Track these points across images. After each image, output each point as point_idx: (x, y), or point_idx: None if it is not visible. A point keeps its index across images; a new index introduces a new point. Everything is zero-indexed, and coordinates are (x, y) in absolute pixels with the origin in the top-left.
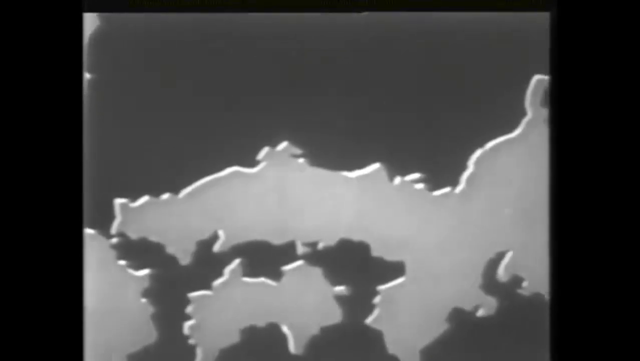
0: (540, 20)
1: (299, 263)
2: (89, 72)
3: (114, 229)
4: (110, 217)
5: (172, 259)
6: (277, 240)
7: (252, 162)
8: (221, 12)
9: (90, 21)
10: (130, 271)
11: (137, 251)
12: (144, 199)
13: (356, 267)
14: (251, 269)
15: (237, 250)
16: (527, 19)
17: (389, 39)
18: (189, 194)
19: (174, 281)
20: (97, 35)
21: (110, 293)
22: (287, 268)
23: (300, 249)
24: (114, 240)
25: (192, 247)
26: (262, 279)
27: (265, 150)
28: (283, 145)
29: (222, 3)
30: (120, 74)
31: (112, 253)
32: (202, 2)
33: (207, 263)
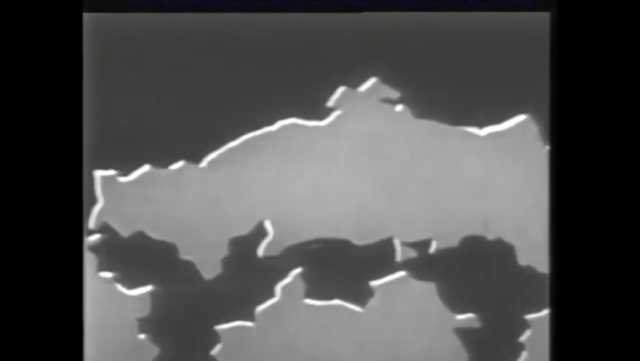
0: (540, 20)
1: (400, 274)
2: (89, 72)
3: (92, 220)
4: (88, 200)
5: (190, 270)
6: (362, 238)
7: (320, 112)
8: (223, 12)
9: (90, 21)
10: (121, 288)
11: (131, 256)
12: (143, 170)
13: (492, 282)
14: (319, 286)
15: (296, 254)
16: (527, 19)
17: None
18: (217, 163)
19: (193, 306)
20: (97, 35)
21: (89, 324)
22: (379, 283)
23: (402, 253)
24: (93, 238)
25: (222, 249)
26: (337, 301)
27: (340, 91)
28: (370, 83)
29: (222, 3)
30: (119, 73)
31: (91, 259)
32: (202, 2)
33: (248, 276)
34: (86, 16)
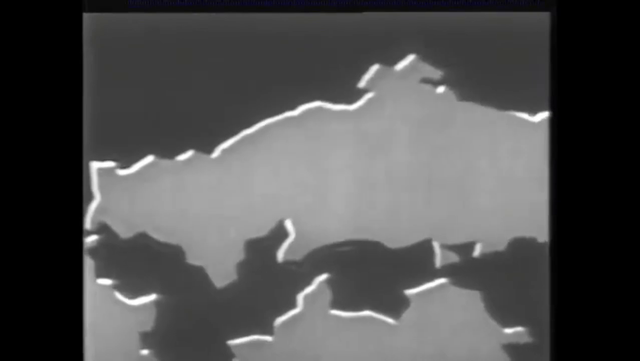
0: (540, 20)
1: (439, 281)
2: (89, 71)
3: (89, 219)
4: (84, 196)
5: (200, 276)
6: (396, 240)
7: (349, 94)
8: (223, 12)
9: (90, 21)
10: (121, 297)
11: (132, 260)
12: (146, 161)
13: (544, 291)
14: (347, 295)
15: (322, 258)
16: (527, 19)
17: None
18: (231, 153)
19: (203, 318)
20: (97, 35)
21: (86, 336)
22: (415, 291)
23: (441, 257)
24: (90, 240)
25: (236, 253)
26: (367, 313)
27: (373, 70)
28: (408, 61)
29: (222, 3)
30: (119, 73)
31: (88, 264)
32: (202, 2)
33: (266, 283)
34: (86, 16)
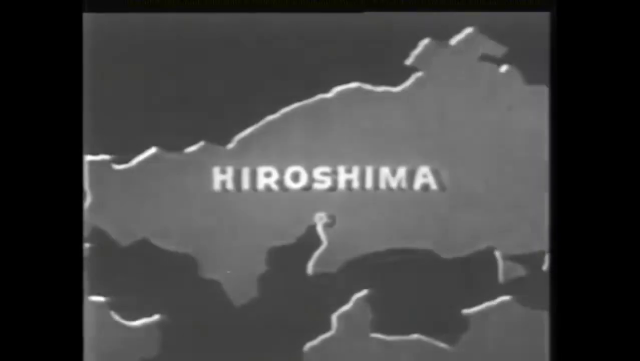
0: (540, 20)
1: (503, 299)
2: (89, 72)
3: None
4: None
5: (214, 293)
6: (450, 249)
7: (394, 73)
8: (223, 12)
9: (90, 21)
10: (119, 318)
11: (132, 273)
12: (148, 153)
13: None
14: (391, 315)
15: (360, 271)
16: (527, 19)
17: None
18: (250, 143)
19: (219, 343)
20: (97, 36)
21: None
22: (473, 311)
23: (505, 270)
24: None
25: (257, 264)
26: (416, 336)
27: (423, 44)
28: (464, 34)
29: (222, 3)
30: (119, 73)
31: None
32: (202, 3)
33: (293, 301)
34: (86, 16)
